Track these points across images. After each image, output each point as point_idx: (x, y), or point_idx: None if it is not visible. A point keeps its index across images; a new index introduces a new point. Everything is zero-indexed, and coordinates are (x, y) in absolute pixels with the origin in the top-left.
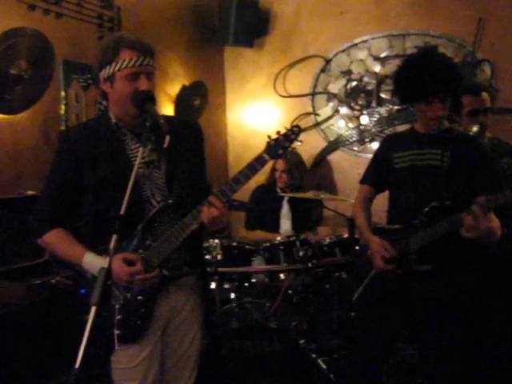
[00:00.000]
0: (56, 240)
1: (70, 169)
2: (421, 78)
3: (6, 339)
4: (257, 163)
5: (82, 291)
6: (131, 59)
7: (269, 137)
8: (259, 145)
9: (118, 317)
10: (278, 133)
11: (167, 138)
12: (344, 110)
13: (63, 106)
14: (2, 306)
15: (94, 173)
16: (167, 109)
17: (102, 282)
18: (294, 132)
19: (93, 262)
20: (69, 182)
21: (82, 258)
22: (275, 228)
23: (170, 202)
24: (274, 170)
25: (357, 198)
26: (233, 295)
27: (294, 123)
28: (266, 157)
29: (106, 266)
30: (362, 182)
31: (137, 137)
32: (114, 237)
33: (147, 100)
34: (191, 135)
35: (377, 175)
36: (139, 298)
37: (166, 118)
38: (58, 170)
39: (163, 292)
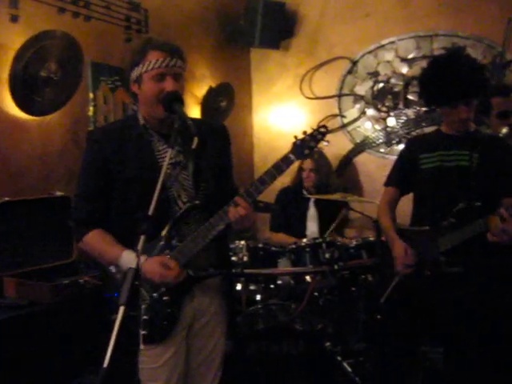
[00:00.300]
0: (95, 241)
1: (100, 169)
2: (445, 81)
3: (33, 338)
4: (283, 163)
5: (108, 295)
6: (158, 60)
7: (295, 137)
8: (285, 146)
9: (144, 317)
10: (304, 133)
11: (195, 140)
12: (371, 112)
13: (91, 108)
14: (29, 305)
15: (121, 173)
16: (194, 110)
17: (130, 281)
18: (320, 132)
19: (131, 260)
20: (101, 182)
21: (120, 256)
22: (301, 230)
23: (197, 203)
24: (300, 169)
25: (382, 200)
26: (258, 297)
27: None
28: (292, 157)
29: (137, 265)
30: (387, 184)
31: (164, 138)
32: (142, 237)
33: (175, 101)
34: (218, 138)
35: (402, 176)
36: (165, 298)
37: (193, 120)
38: (89, 170)
39: (188, 293)
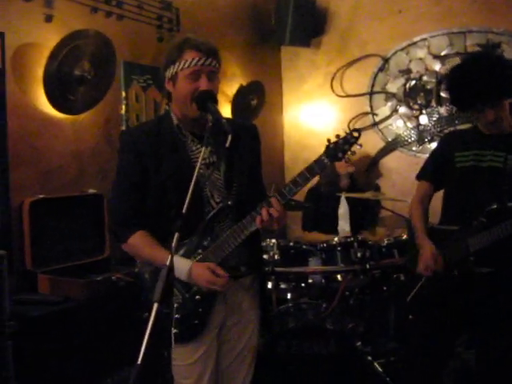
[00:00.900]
0: (140, 242)
1: (136, 168)
2: (463, 87)
3: (67, 334)
4: (316, 166)
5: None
6: (194, 59)
7: (328, 140)
8: (316, 145)
9: (176, 316)
10: (337, 136)
11: (229, 138)
12: (403, 110)
13: (124, 106)
14: (63, 301)
15: (157, 172)
16: (225, 109)
17: (164, 279)
18: (353, 136)
19: (176, 264)
20: (138, 182)
21: (166, 260)
22: (332, 229)
23: (230, 203)
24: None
25: (414, 197)
26: (289, 295)
27: (352, 123)
28: (326, 160)
29: (171, 262)
30: (420, 177)
31: (197, 138)
32: (176, 235)
33: (208, 99)
34: (249, 137)
35: (436, 171)
36: (197, 297)
37: (226, 119)
38: (126, 170)
39: (220, 292)
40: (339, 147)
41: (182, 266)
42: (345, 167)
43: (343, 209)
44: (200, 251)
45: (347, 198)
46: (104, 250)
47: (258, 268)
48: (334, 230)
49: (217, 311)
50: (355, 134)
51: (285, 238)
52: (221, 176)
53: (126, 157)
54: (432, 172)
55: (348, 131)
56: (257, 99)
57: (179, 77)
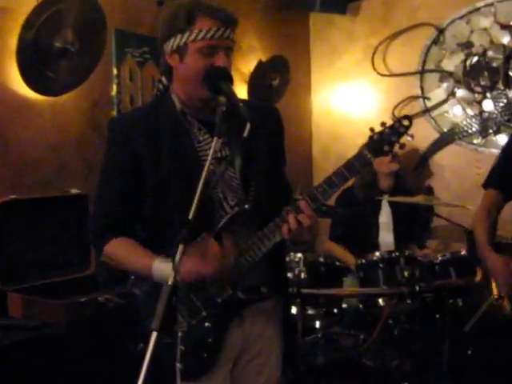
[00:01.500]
0: (119, 250)
1: (127, 164)
2: None
3: (42, 367)
4: (357, 162)
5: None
6: (210, 29)
7: (371, 129)
8: (351, 135)
9: (181, 347)
10: (382, 124)
11: (247, 126)
12: (461, 93)
13: (115, 86)
14: (38, 327)
15: (154, 170)
16: (239, 90)
17: (165, 300)
18: (402, 124)
19: (164, 268)
20: (128, 182)
21: (151, 267)
22: (371, 240)
23: (247, 207)
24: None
25: (480, 206)
26: (318, 324)
27: (397, 109)
28: (369, 154)
29: (174, 280)
30: (487, 185)
31: (205, 126)
32: (181, 247)
33: (222, 78)
34: (269, 124)
35: (507, 177)
36: (206, 324)
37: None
38: (113, 166)
39: (236, 319)
40: (385, 138)
41: (168, 268)
42: (386, 164)
43: (385, 216)
44: None
45: (390, 203)
46: (89, 264)
47: (282, 289)
48: (372, 244)
49: (231, 342)
50: (405, 123)
51: (313, 252)
52: (236, 173)
53: (115, 150)
54: (501, 178)
55: (396, 118)
56: (279, 78)
57: (190, 49)
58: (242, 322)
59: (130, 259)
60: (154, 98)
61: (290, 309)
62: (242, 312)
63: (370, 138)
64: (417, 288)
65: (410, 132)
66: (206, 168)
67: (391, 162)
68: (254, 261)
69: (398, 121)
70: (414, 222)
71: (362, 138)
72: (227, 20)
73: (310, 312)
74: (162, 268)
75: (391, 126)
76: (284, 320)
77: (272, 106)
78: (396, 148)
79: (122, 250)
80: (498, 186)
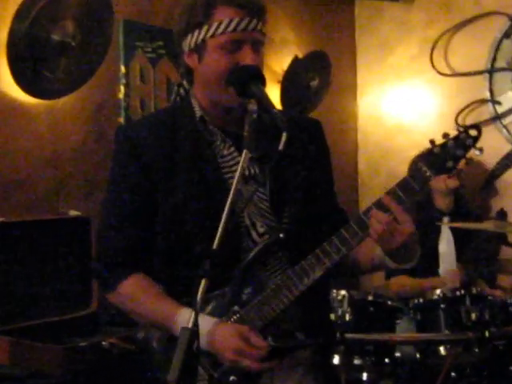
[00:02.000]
0: (135, 291)
1: (138, 181)
2: None
3: None
4: (414, 181)
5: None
6: (232, 20)
7: (431, 142)
8: (406, 147)
9: None
10: (445, 136)
11: (284, 137)
12: None
13: (122, 88)
14: (29, 377)
15: (170, 190)
16: (271, 92)
17: (185, 348)
18: (470, 135)
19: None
20: (140, 203)
21: (175, 316)
22: (429, 273)
23: (282, 236)
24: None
25: None
26: (366, 376)
27: (462, 116)
28: (428, 172)
29: (195, 323)
30: None
31: (231, 139)
32: (203, 282)
33: (252, 79)
34: (310, 140)
35: None
36: (232, 378)
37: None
38: (123, 186)
39: (266, 372)
40: (449, 152)
41: (202, 324)
42: (443, 180)
43: (446, 244)
44: (237, 308)
45: (452, 229)
46: (90, 300)
47: (323, 335)
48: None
49: None
50: (473, 133)
51: (359, 289)
52: (267, 195)
53: (123, 165)
54: None
55: (461, 129)
56: (319, 78)
57: (209, 47)
58: (273, 376)
59: (149, 304)
60: (171, 103)
61: (331, 359)
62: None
63: (430, 151)
64: (486, 334)
65: (478, 145)
66: (233, 188)
67: (449, 178)
68: (290, 301)
69: (464, 131)
70: (482, 253)
71: (418, 151)
72: (253, 8)
73: (356, 362)
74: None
75: (456, 138)
76: (325, 373)
77: (313, 119)
78: (461, 164)
79: (140, 291)
80: None
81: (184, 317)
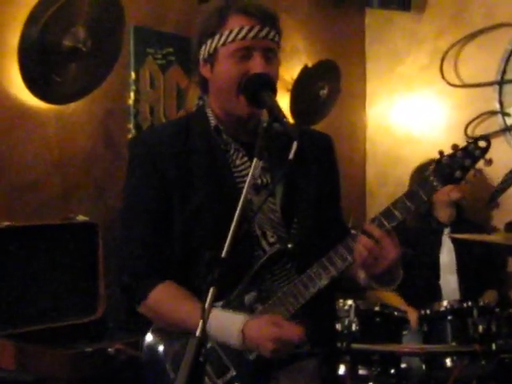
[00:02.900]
0: (168, 297)
1: (156, 190)
2: None
3: None
4: (422, 190)
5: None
6: (242, 28)
7: (440, 153)
8: (415, 158)
9: None
10: (454, 147)
11: (294, 146)
12: None
13: (132, 94)
14: (36, 382)
15: (184, 200)
16: (280, 100)
17: (192, 356)
18: (479, 147)
19: (223, 322)
20: (159, 213)
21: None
22: (431, 284)
23: (290, 246)
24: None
25: None
26: None
27: (471, 127)
28: (436, 182)
29: (203, 332)
30: None
31: (244, 148)
32: (212, 290)
33: (263, 88)
34: (320, 154)
35: None
36: None
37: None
38: (141, 197)
39: (270, 381)
40: (457, 163)
41: (231, 323)
42: (447, 191)
43: (447, 255)
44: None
45: (454, 240)
46: (97, 306)
47: (328, 345)
48: (431, 288)
49: None
50: (482, 144)
51: (365, 299)
52: (277, 205)
53: (140, 177)
54: None
55: (470, 140)
56: (328, 87)
57: (220, 55)
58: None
59: (180, 308)
60: (181, 106)
61: (337, 369)
62: (278, 374)
63: (438, 161)
64: (493, 346)
65: (487, 156)
66: (242, 197)
67: (452, 189)
68: (295, 309)
69: (473, 142)
70: (488, 266)
71: (420, 161)
72: (264, 16)
73: (362, 372)
74: (222, 319)
75: (464, 148)
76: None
77: (324, 134)
78: (469, 175)
79: (172, 297)
80: None
81: (219, 318)
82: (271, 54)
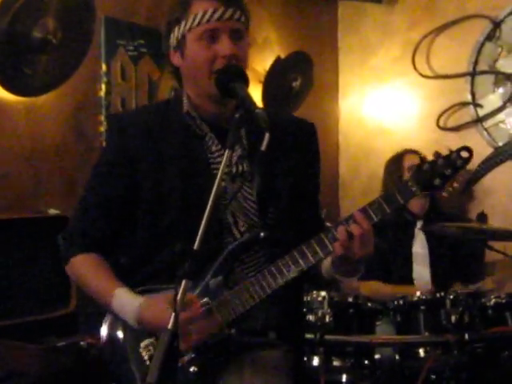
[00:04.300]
0: (83, 266)
1: (119, 169)
2: None
3: None
4: (400, 194)
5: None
6: (206, 11)
7: (422, 159)
8: (386, 150)
9: None
10: (436, 154)
11: (266, 137)
12: None
13: (103, 86)
14: (5, 378)
15: (155, 183)
16: (253, 91)
17: (164, 349)
18: (461, 156)
19: (123, 302)
20: (121, 191)
21: (112, 297)
22: (405, 276)
23: (262, 234)
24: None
25: None
26: (345, 377)
27: (443, 118)
28: (415, 188)
29: (175, 324)
30: None
31: (220, 134)
32: (184, 282)
33: (234, 78)
34: (302, 142)
35: None
36: (192, 369)
37: (266, 111)
38: (104, 169)
39: (234, 368)
40: (437, 171)
41: (130, 305)
42: None
43: (420, 246)
44: (207, 300)
45: (427, 232)
46: (69, 300)
47: (296, 337)
48: (405, 280)
49: None
50: (464, 155)
51: (339, 291)
52: (253, 194)
53: (109, 151)
54: None
55: (453, 150)
56: (301, 79)
57: (188, 41)
58: (241, 371)
59: (92, 278)
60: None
61: (306, 360)
62: (242, 361)
63: (419, 167)
64: (466, 336)
65: (457, 144)
66: (215, 185)
67: None
68: (260, 298)
69: (455, 152)
70: (461, 256)
71: (414, 168)
72: None
73: (336, 363)
74: (123, 300)
75: (446, 157)
76: (296, 375)
77: (308, 122)
78: (452, 186)
79: (86, 266)
80: None
81: (120, 296)
82: (238, 35)
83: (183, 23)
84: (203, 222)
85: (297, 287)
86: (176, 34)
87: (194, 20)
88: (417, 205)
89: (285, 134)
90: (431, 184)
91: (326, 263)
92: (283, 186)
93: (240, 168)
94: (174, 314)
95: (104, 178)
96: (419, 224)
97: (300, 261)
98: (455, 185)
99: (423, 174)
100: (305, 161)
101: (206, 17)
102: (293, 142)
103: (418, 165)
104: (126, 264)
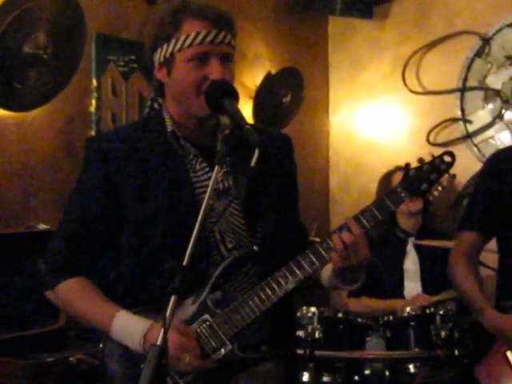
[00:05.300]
0: (74, 292)
1: (100, 190)
2: None
3: None
4: (390, 201)
5: None
6: (199, 33)
7: (407, 165)
8: (377, 165)
9: None
10: (420, 160)
11: (256, 153)
12: (510, 115)
13: (94, 101)
14: None
15: (139, 204)
16: (243, 108)
17: (154, 365)
18: (444, 161)
19: (127, 325)
20: (100, 215)
21: (113, 320)
22: (396, 292)
23: (256, 248)
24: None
25: (456, 252)
26: None
27: (433, 134)
28: (404, 193)
29: (163, 340)
30: (463, 227)
31: (203, 153)
32: (173, 298)
33: (225, 95)
34: (279, 155)
35: (487, 215)
36: None
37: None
38: (84, 190)
39: (229, 383)
40: (423, 176)
41: (135, 327)
42: (406, 203)
43: (411, 262)
44: (206, 317)
45: (418, 248)
46: (58, 316)
47: (287, 350)
48: (396, 296)
49: None
50: (447, 159)
51: (328, 306)
52: (240, 210)
53: (89, 172)
54: (480, 218)
55: (436, 155)
56: (291, 95)
57: (177, 60)
58: None
59: (86, 304)
60: (143, 115)
61: (297, 375)
62: (238, 376)
63: (406, 173)
64: (456, 352)
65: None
66: (205, 202)
67: (411, 202)
68: (261, 311)
69: (438, 157)
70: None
71: (389, 169)
72: (220, 20)
73: (326, 379)
74: (125, 321)
75: (431, 163)
76: None
77: (283, 133)
78: (436, 187)
79: (77, 292)
80: (477, 227)
81: (121, 319)
82: (228, 59)
83: (173, 41)
84: (192, 239)
85: (287, 300)
86: (164, 50)
87: (185, 41)
88: (408, 223)
89: (266, 149)
90: (419, 189)
91: (327, 272)
92: (268, 200)
93: (226, 184)
94: (162, 329)
95: (84, 196)
96: (411, 241)
97: (297, 271)
98: (440, 188)
99: (410, 180)
100: (284, 173)
101: (199, 39)
102: (271, 156)
103: (405, 172)
104: (112, 286)
